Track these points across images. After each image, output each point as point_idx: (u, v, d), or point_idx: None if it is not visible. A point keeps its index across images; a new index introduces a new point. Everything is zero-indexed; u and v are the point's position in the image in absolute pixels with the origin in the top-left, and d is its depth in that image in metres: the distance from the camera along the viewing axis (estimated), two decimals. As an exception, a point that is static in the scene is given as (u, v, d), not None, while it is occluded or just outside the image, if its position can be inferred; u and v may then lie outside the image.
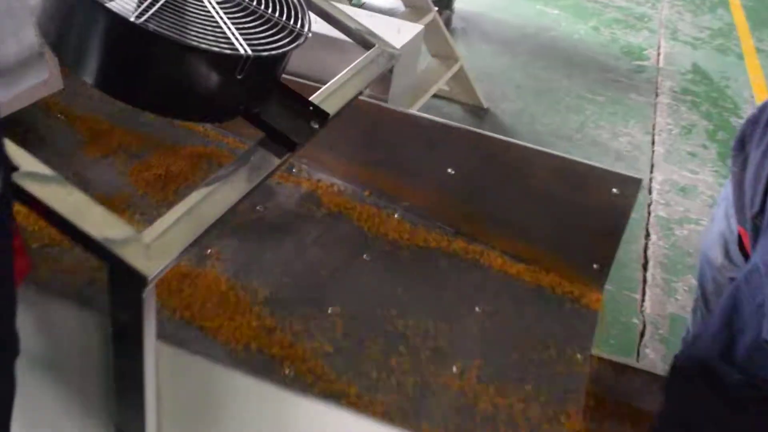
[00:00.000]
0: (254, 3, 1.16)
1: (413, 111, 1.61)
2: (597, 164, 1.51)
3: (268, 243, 1.54)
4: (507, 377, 1.36)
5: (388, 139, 1.67)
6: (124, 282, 0.87)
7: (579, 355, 1.43)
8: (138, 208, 1.54)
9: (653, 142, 3.74)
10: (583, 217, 1.56)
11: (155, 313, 0.90)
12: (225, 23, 1.07)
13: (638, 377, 1.63)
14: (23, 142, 1.62)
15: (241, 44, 1.04)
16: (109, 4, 0.98)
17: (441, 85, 3.25)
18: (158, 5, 1.02)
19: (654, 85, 4.33)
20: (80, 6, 1.01)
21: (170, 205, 1.53)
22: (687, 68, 4.59)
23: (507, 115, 3.76)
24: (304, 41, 1.15)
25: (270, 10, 1.17)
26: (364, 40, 1.53)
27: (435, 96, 3.42)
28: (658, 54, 4.76)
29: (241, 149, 1.60)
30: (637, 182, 1.50)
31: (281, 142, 1.15)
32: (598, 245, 1.57)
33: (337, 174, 1.76)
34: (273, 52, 1.08)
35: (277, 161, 1.14)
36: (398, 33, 1.73)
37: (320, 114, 1.22)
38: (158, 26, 0.98)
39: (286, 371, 1.28)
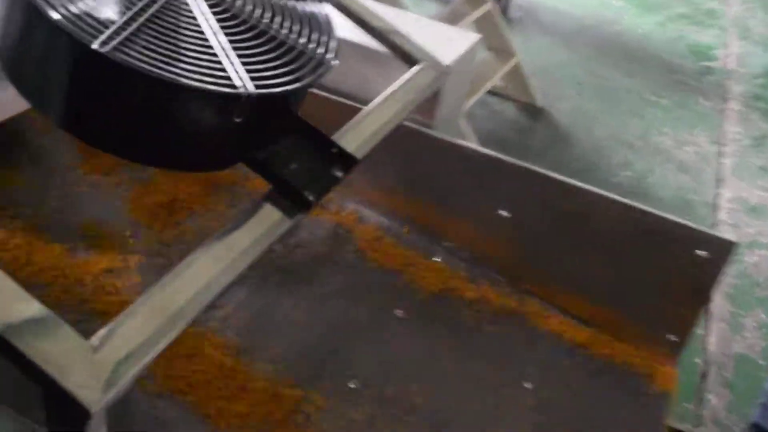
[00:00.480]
0: (265, 20, 0.91)
1: (462, 141, 1.35)
2: (679, 220, 1.24)
3: (284, 292, 1.30)
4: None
5: (432, 170, 1.42)
6: (61, 411, 0.64)
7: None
8: (133, 249, 1.31)
9: (721, 154, 3.42)
10: (659, 279, 1.29)
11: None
12: (223, 49, 0.82)
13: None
14: (10, 157, 1.42)
15: (240, 78, 0.80)
16: (67, 26, 0.74)
17: (496, 81, 3.00)
18: (134, 26, 0.78)
19: (722, 89, 3.98)
20: (34, 26, 0.77)
21: (176, 241, 1.31)
22: (759, 72, 4.22)
23: (563, 115, 3.47)
24: (326, 72, 0.90)
25: (285, 30, 0.92)
26: (407, 55, 1.27)
27: (488, 92, 3.16)
28: (728, 55, 4.40)
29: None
30: (728, 245, 1.23)
31: (292, 199, 0.90)
32: (675, 313, 1.30)
33: (372, 204, 1.51)
34: (284, 88, 0.83)
35: (286, 223, 0.89)
36: (449, 43, 1.46)
37: (346, 159, 0.97)
38: (129, 55, 0.74)
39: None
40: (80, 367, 0.64)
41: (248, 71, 0.82)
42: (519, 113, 3.38)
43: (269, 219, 0.88)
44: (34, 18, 0.75)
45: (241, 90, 0.78)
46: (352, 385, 1.17)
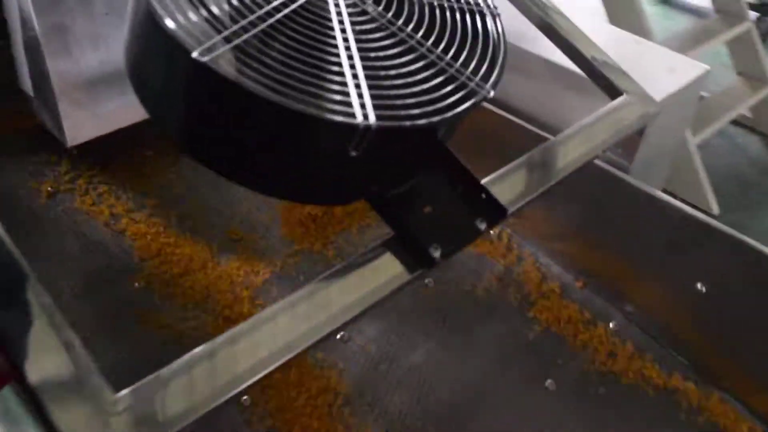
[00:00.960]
0: (417, 36, 0.77)
1: (661, 194, 1.12)
2: None
3: (421, 335, 1.15)
4: None
5: (621, 220, 1.20)
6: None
7: None
8: (275, 259, 1.22)
9: None
10: None
11: None
12: (350, 66, 0.69)
13: None
14: (169, 151, 1.37)
15: (361, 104, 0.66)
16: (176, 31, 0.64)
17: (742, 110, 2.64)
18: (251, 33, 0.67)
19: None
20: (148, 31, 0.69)
21: (320, 258, 1.21)
22: None
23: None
24: (476, 104, 0.74)
25: (439, 50, 0.77)
26: (608, 84, 1.07)
27: (731, 122, 2.79)
28: None
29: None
30: None
31: (415, 254, 0.75)
32: None
33: (546, 248, 1.32)
34: (415, 122, 0.68)
35: (402, 279, 0.75)
36: (668, 74, 1.22)
37: (494, 209, 0.81)
38: (231, 65, 0.63)
39: None
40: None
41: (377, 96, 0.68)
42: (763, 149, 2.95)
43: (384, 270, 0.74)
44: (149, 22, 0.67)
45: (358, 120, 0.65)
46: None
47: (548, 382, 1.12)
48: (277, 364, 0.64)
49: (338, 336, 1.13)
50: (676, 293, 1.16)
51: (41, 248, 1.17)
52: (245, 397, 1.02)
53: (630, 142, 1.18)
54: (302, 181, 0.73)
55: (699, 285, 1.12)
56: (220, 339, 0.63)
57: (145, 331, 1.07)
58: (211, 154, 0.73)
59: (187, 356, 0.61)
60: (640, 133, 1.14)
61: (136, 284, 1.13)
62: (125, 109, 1.23)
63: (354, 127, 0.65)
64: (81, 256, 1.17)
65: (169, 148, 1.38)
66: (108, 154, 1.33)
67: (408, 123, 0.68)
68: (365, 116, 0.66)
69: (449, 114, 0.71)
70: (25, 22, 1.16)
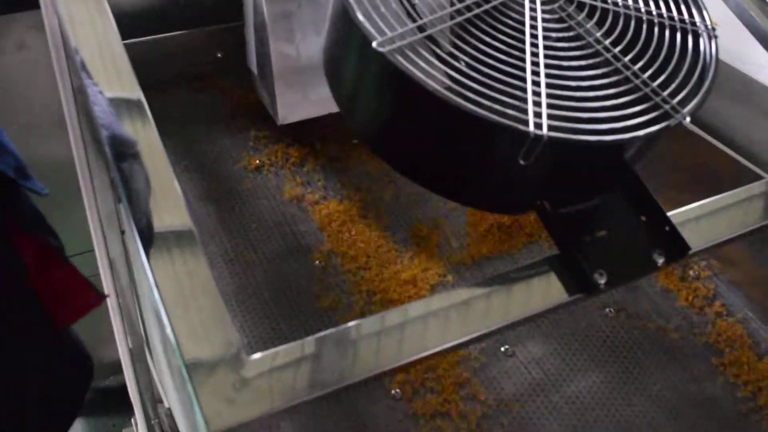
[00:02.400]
0: (615, 50, 0.72)
1: None
2: None
3: (587, 368, 1.09)
4: None
5: None
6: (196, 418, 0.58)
7: None
8: (449, 264, 1.21)
9: None
10: None
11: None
12: (533, 73, 0.66)
13: None
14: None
15: (537, 114, 0.63)
16: (361, 18, 0.66)
17: None
18: (438, 27, 0.67)
19: None
20: (338, 21, 0.71)
21: (488, 267, 1.18)
22: None
23: None
24: (667, 128, 0.68)
25: (640, 63, 0.72)
26: None
27: None
28: None
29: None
30: None
31: (578, 276, 0.71)
32: None
33: (749, 298, 1.19)
34: (589, 138, 0.64)
35: (563, 298, 0.71)
36: None
37: (675, 244, 0.74)
38: (408, 58, 0.63)
39: None
40: (219, 388, 0.57)
41: (556, 106, 0.65)
42: None
43: (540, 287, 0.71)
44: (341, 13, 0.69)
45: (529, 127, 0.62)
46: None
47: (724, 446, 1.02)
48: (421, 356, 0.63)
49: (502, 349, 1.10)
50: None
51: (235, 215, 1.25)
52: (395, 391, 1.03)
53: None
54: (471, 184, 0.72)
55: None
56: (368, 320, 0.63)
57: (313, 306, 1.12)
58: (387, 149, 0.74)
59: (332, 330, 0.62)
60: None
61: (317, 262, 1.18)
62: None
63: (525, 136, 0.63)
64: (272, 227, 1.24)
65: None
66: (315, 138, 1.40)
67: (579, 137, 0.64)
68: (538, 125, 0.63)
69: (628, 135, 0.66)
70: (256, 6, 1.24)
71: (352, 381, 0.61)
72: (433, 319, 0.65)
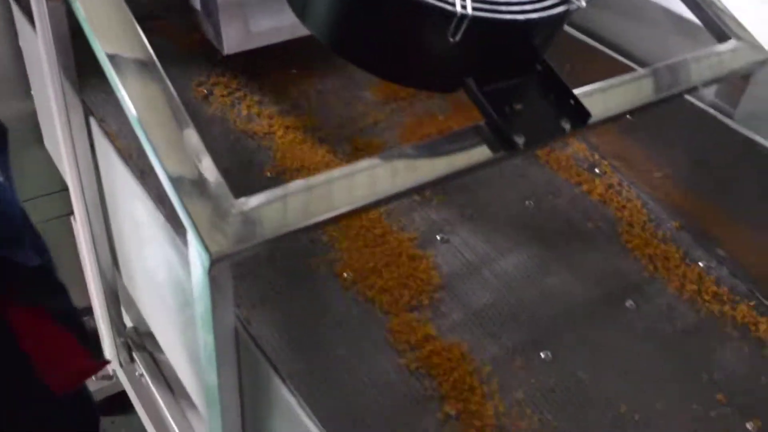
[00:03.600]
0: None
1: (761, 139, 1.16)
2: None
3: (513, 249, 1.26)
4: None
5: (721, 167, 1.24)
6: (193, 254, 0.70)
7: None
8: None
9: None
10: None
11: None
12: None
13: None
14: (313, 66, 1.53)
15: (462, -3, 0.78)
16: None
17: None
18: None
19: None
20: None
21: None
22: None
23: None
24: (569, 12, 0.83)
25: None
26: (715, 27, 1.12)
27: None
28: None
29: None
30: None
31: (501, 139, 0.86)
32: None
33: (648, 187, 1.38)
34: (504, 16, 0.79)
35: (488, 156, 0.86)
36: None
37: (579, 113, 0.90)
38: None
39: None
40: (218, 221, 0.69)
41: (478, -7, 0.79)
42: None
43: (469, 147, 0.85)
44: None
45: (456, 7, 0.76)
46: (542, 356, 1.10)
47: (629, 302, 1.19)
48: (366, 203, 0.77)
49: (438, 236, 1.25)
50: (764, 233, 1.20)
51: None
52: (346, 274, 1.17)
53: (737, 90, 1.22)
54: (409, 64, 0.86)
55: (791, 230, 1.16)
56: (321, 177, 0.76)
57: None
58: (335, 38, 0.87)
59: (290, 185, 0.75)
60: (747, 79, 1.18)
61: (268, 174, 1.30)
62: (277, 29, 1.39)
63: (452, 14, 0.77)
64: (227, 146, 1.35)
65: (312, 68, 1.54)
66: (258, 67, 1.51)
67: (498, 15, 0.79)
68: (463, 6, 0.77)
69: (537, 15, 0.81)
70: (199, -58, 1.34)
71: (314, 221, 0.74)
72: (361, 176, 0.78)
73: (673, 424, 1.05)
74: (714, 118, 1.21)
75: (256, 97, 1.47)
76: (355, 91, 1.53)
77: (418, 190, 0.82)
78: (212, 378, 0.81)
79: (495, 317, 1.15)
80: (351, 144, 1.39)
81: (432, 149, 0.84)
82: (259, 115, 1.43)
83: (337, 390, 1.03)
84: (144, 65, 0.77)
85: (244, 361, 0.82)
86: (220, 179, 0.72)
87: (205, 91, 1.46)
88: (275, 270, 1.18)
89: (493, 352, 1.10)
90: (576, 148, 1.47)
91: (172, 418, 1.32)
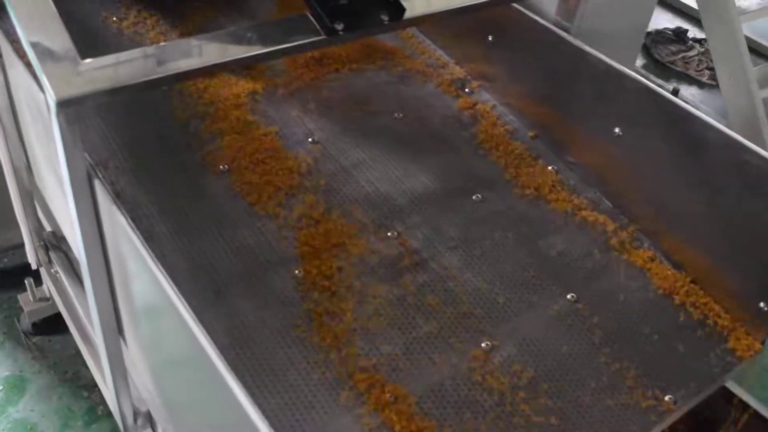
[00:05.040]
0: None
1: (590, 48, 1.31)
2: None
3: (374, 148, 1.41)
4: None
5: (562, 78, 1.40)
6: (49, 103, 0.85)
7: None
8: (274, 81, 1.51)
9: None
10: (758, 233, 1.16)
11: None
12: None
13: None
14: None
15: None
16: None
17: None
18: None
19: None
20: None
21: (312, 85, 1.47)
22: None
23: None
24: None
25: None
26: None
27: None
28: None
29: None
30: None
31: (322, 25, 1.01)
32: (771, 278, 1.16)
33: (508, 102, 1.54)
34: None
35: (310, 38, 1.00)
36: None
37: (396, 7, 1.05)
38: None
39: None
40: (62, 71, 0.84)
41: None
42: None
43: (295, 31, 1.00)
44: None
45: None
46: (389, 234, 1.26)
47: (476, 196, 1.35)
48: (191, 69, 0.92)
49: (309, 139, 1.41)
50: (600, 140, 1.36)
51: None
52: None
53: (572, 7, 1.38)
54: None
55: (616, 129, 1.32)
56: (156, 47, 0.92)
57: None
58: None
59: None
60: None
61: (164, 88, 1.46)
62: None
63: None
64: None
65: (217, 3, 1.70)
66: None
67: None
68: None
69: None
70: None
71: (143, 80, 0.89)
72: (194, 48, 0.93)
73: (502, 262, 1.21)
74: (555, 33, 1.37)
75: (158, 22, 1.61)
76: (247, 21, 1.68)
77: (244, 63, 0.98)
78: (75, 221, 0.96)
79: (351, 202, 1.31)
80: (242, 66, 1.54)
81: (261, 31, 0.99)
82: (166, 35, 1.58)
83: (198, 256, 1.18)
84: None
85: (104, 212, 0.96)
86: (70, 44, 0.87)
87: (115, 18, 1.61)
88: (161, 162, 1.33)
89: (345, 226, 1.26)
90: (450, 70, 1.62)
91: (79, 305, 1.48)
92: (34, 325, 1.98)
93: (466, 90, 1.58)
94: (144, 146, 1.34)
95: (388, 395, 1.03)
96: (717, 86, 2.69)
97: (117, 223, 0.91)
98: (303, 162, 1.36)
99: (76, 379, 1.90)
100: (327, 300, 1.14)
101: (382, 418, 1.01)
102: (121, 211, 0.90)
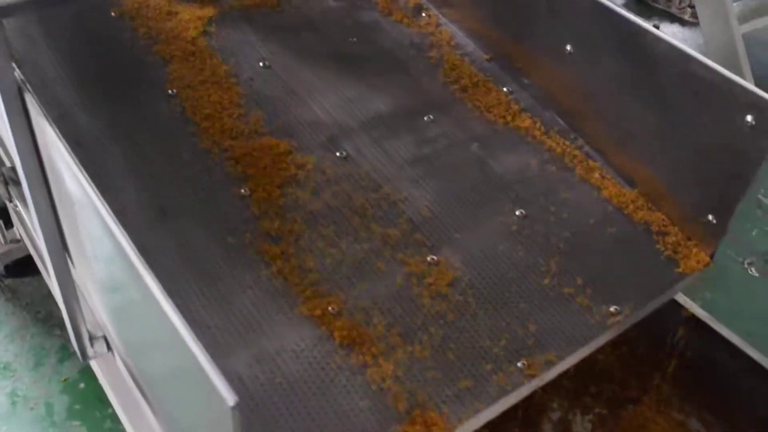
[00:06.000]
0: None
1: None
2: (733, 77, 1.09)
3: (331, 73, 1.40)
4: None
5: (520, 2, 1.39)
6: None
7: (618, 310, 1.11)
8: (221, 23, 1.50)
9: None
10: (706, 147, 1.16)
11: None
12: None
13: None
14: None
15: None
16: None
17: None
18: None
19: None
20: None
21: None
22: None
23: None
24: None
25: None
26: None
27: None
28: None
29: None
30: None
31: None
32: (717, 190, 1.16)
33: (465, 27, 1.52)
34: None
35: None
36: None
37: None
38: None
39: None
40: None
41: None
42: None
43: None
44: None
45: None
46: (338, 154, 1.26)
47: (427, 117, 1.35)
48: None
49: (260, 63, 1.40)
50: (552, 58, 1.35)
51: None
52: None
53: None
54: None
55: (568, 47, 1.31)
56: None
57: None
58: None
59: None
60: None
61: (113, 13, 1.43)
62: None
63: None
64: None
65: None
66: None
67: None
68: None
69: None
70: None
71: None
72: None
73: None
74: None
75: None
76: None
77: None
78: (10, 136, 0.95)
79: (302, 127, 1.30)
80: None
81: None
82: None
83: (141, 182, 1.17)
84: None
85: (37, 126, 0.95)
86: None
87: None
88: (107, 85, 1.32)
89: (296, 148, 1.26)
90: (406, -6, 1.61)
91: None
92: (6, 267, 1.99)
93: (423, 14, 1.56)
94: (91, 69, 1.33)
95: (330, 307, 1.04)
96: (699, 24, 2.67)
97: (48, 135, 0.91)
98: (253, 86, 1.35)
99: (48, 319, 1.92)
100: (275, 219, 1.14)
101: (323, 329, 1.02)
102: (51, 124, 0.89)
